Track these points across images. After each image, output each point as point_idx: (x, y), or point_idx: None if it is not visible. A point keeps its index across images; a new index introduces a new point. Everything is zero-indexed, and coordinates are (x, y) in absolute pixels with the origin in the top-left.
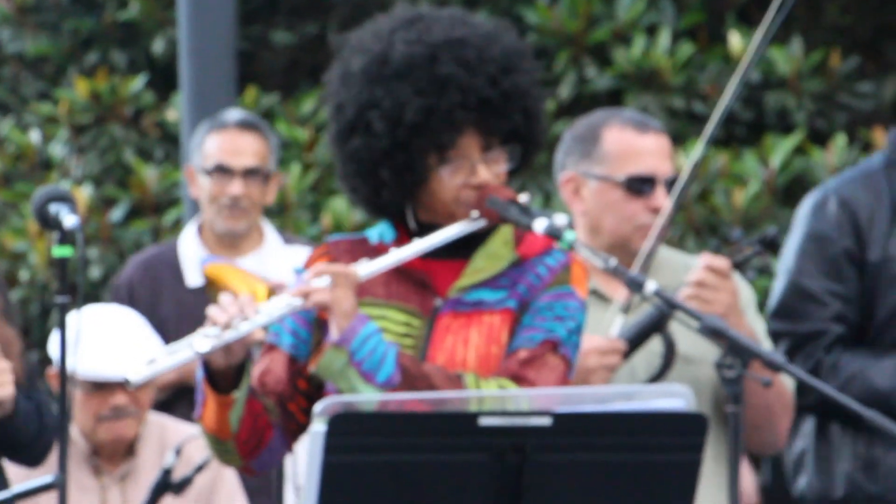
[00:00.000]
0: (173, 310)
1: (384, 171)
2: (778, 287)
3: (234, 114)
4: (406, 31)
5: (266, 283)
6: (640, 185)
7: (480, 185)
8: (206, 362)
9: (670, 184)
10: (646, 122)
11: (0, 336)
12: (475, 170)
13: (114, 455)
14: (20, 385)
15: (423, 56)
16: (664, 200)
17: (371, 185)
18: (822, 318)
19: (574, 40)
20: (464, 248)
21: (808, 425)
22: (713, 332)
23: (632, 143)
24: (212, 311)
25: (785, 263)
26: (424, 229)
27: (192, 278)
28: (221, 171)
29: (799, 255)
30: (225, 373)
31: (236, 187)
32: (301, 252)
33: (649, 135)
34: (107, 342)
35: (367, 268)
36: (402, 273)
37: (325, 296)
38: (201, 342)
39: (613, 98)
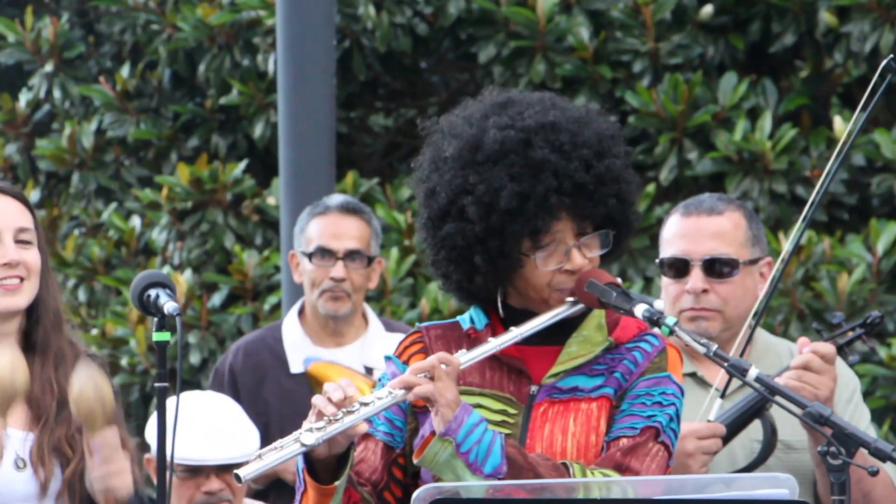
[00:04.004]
0: (276, 396)
1: (478, 256)
2: None
3: (336, 198)
4: (498, 115)
5: (370, 380)
6: (668, 269)
7: (574, 270)
8: (308, 452)
9: (718, 263)
10: (698, 205)
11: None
12: (570, 255)
13: None
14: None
15: (517, 141)
16: (702, 283)
17: (464, 271)
18: None
19: (675, 124)
20: (557, 333)
21: None
22: (818, 420)
23: (672, 228)
24: (317, 401)
25: None
26: (514, 315)
27: (295, 365)
28: (322, 253)
29: None
30: (326, 462)
31: (338, 270)
32: None
33: (691, 217)
34: (202, 427)
35: (466, 356)
36: (496, 360)
37: (428, 387)
38: (308, 436)
39: (715, 182)
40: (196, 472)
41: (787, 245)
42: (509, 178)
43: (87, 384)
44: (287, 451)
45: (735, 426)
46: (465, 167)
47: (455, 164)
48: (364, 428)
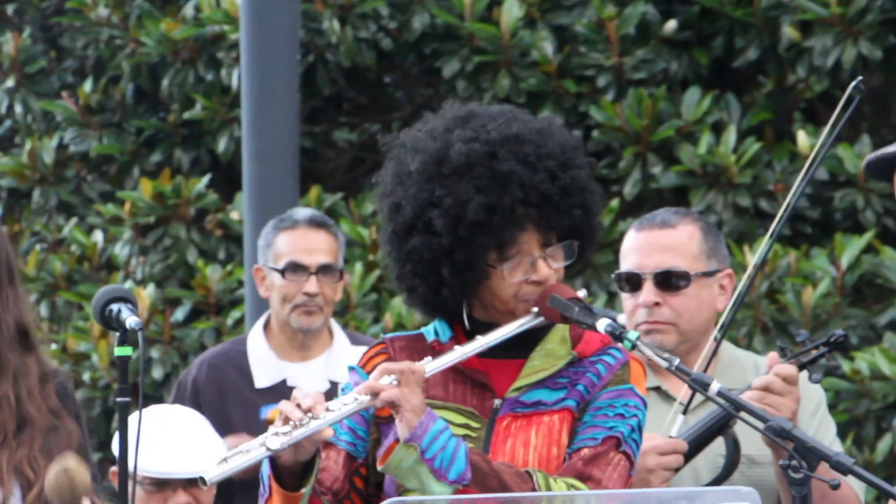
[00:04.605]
0: (240, 410)
1: (444, 269)
2: None
3: (302, 212)
4: (462, 128)
5: None
6: (624, 283)
7: (541, 281)
8: (273, 458)
9: (671, 276)
10: (651, 219)
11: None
12: (536, 266)
13: None
14: None
15: (483, 153)
16: (653, 296)
17: (430, 285)
18: None
19: (639, 138)
20: (520, 347)
21: None
22: (779, 434)
23: (627, 243)
24: (284, 407)
25: None
26: (479, 327)
27: (260, 379)
28: (295, 268)
29: None
30: (292, 469)
31: (311, 285)
32: None
33: (643, 231)
34: (168, 440)
35: (432, 364)
36: (459, 373)
37: (394, 392)
38: (273, 440)
39: (679, 195)
40: (163, 485)
41: (753, 259)
42: (476, 190)
43: (62, 477)
44: (252, 455)
45: (699, 442)
46: (431, 180)
47: (420, 177)
48: (330, 433)
